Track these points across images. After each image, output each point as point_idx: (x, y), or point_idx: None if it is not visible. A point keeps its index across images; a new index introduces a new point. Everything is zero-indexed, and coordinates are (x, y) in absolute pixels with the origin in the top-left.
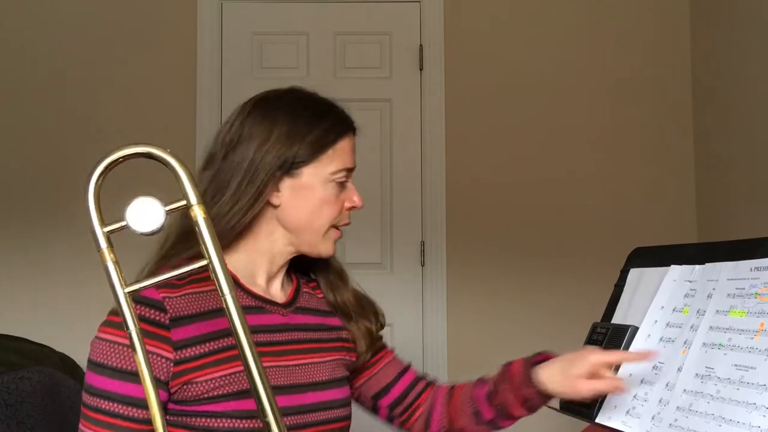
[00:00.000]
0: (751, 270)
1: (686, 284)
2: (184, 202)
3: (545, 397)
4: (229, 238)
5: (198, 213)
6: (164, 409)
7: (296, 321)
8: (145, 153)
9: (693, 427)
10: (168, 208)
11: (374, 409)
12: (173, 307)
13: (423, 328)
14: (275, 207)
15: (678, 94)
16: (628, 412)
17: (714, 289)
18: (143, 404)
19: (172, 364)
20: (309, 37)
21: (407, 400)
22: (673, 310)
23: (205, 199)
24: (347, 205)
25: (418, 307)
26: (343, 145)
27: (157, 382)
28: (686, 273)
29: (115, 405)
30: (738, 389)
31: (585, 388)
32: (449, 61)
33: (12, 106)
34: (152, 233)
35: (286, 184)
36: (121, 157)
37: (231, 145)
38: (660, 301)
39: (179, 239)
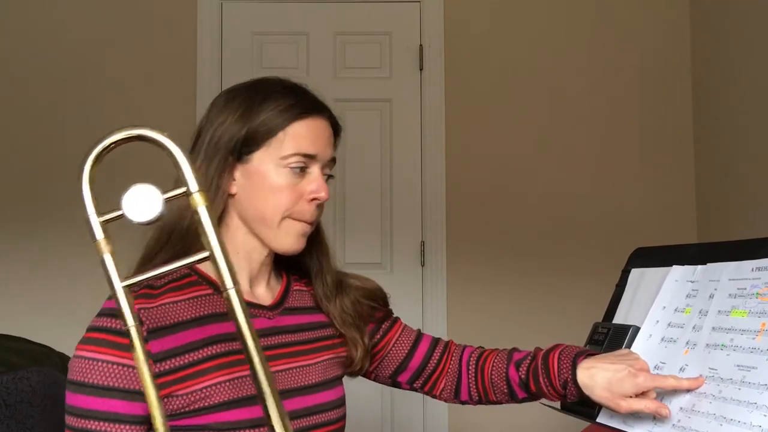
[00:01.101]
0: (752, 270)
1: (688, 284)
2: (183, 189)
3: (582, 395)
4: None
5: (198, 200)
6: (148, 423)
7: (284, 323)
8: (138, 135)
9: (695, 427)
10: (167, 195)
11: (395, 386)
12: (150, 318)
13: (423, 328)
14: (233, 197)
15: (678, 94)
16: None
17: (716, 289)
18: (131, 420)
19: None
20: (309, 37)
21: (426, 372)
22: (675, 310)
23: None
24: (307, 196)
25: (418, 307)
26: (300, 128)
27: (136, 395)
28: (688, 273)
29: (102, 424)
30: (740, 389)
31: (627, 406)
32: (449, 61)
33: (12, 107)
34: (149, 222)
35: (240, 171)
36: (113, 143)
37: (197, 135)
38: (661, 302)
39: (161, 239)
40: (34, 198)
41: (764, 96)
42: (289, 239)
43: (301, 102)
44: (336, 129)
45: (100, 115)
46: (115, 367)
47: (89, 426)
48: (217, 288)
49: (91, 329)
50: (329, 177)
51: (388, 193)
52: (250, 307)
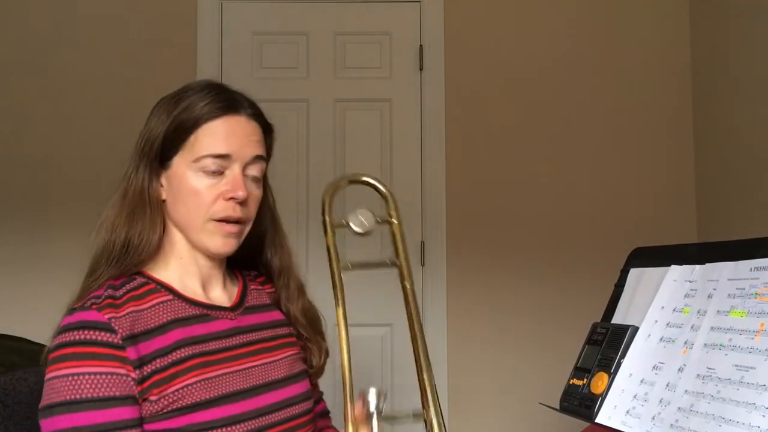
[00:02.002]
0: (751, 270)
1: (686, 284)
2: (393, 220)
3: None
4: (150, 251)
5: (396, 230)
6: (139, 426)
7: (246, 323)
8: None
9: (694, 428)
10: (379, 219)
11: None
12: (121, 327)
13: (423, 328)
14: (164, 203)
15: (678, 94)
16: (628, 412)
17: (714, 289)
18: (136, 424)
19: (135, 384)
20: (309, 37)
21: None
22: (674, 310)
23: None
24: (225, 195)
25: (418, 307)
26: (213, 128)
27: (131, 399)
28: (686, 273)
29: None
30: (738, 389)
31: None
32: (449, 61)
33: (11, 107)
34: (364, 234)
35: (164, 177)
36: (354, 181)
37: (131, 156)
38: (660, 301)
39: (102, 258)
40: (35, 198)
41: (764, 96)
42: (216, 240)
43: (214, 101)
44: (264, 127)
45: (100, 115)
46: (105, 377)
47: None
48: (176, 293)
49: (63, 345)
50: (262, 179)
51: None
52: (209, 309)
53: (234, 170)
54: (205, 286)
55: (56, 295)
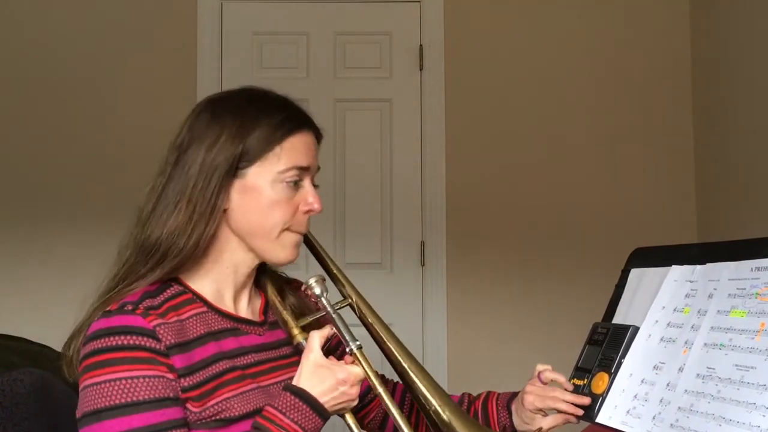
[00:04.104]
0: (751, 270)
1: (687, 284)
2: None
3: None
4: (195, 257)
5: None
6: (188, 426)
7: (272, 339)
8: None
9: (694, 427)
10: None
11: None
12: (165, 335)
13: (423, 328)
14: (226, 211)
15: (678, 94)
16: (628, 412)
17: (715, 289)
18: (173, 425)
19: (180, 389)
20: (309, 37)
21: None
22: (674, 310)
23: (156, 208)
24: (303, 208)
25: (418, 307)
26: (294, 142)
27: (180, 401)
28: (687, 273)
29: None
30: (738, 389)
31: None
32: (449, 61)
33: (12, 107)
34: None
35: (235, 187)
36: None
37: (181, 148)
38: (661, 301)
39: (144, 257)
40: (36, 198)
41: (764, 96)
42: (287, 251)
43: (292, 116)
44: (319, 138)
45: (100, 115)
46: (157, 380)
47: None
48: (210, 305)
49: (106, 350)
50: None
51: (388, 193)
52: (240, 323)
53: (307, 183)
54: (235, 297)
55: (57, 295)
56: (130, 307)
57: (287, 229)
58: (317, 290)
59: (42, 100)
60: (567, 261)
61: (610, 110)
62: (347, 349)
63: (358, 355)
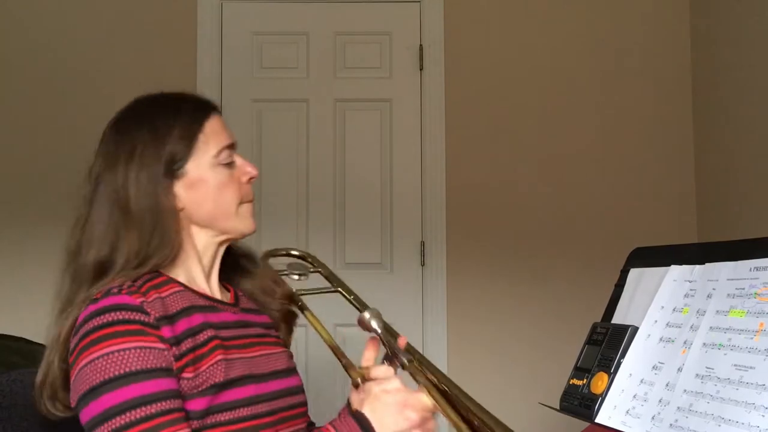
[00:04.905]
0: (750, 270)
1: (686, 284)
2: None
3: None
4: (168, 261)
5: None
6: (181, 398)
7: (246, 318)
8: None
9: (693, 427)
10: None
11: None
12: (152, 308)
13: (423, 328)
14: (180, 210)
15: (678, 94)
16: (628, 412)
17: (714, 289)
18: (166, 396)
19: (174, 359)
20: (309, 37)
21: None
22: (673, 310)
23: (84, 235)
24: (244, 179)
25: (418, 307)
26: (211, 126)
27: (173, 372)
28: (686, 273)
29: (166, 403)
30: (737, 389)
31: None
32: (449, 61)
33: (12, 108)
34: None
35: (178, 186)
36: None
37: (98, 176)
38: (660, 301)
39: (109, 271)
40: (36, 198)
41: (764, 95)
42: (248, 221)
43: (198, 104)
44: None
45: (100, 115)
46: (148, 351)
47: (152, 410)
48: (186, 287)
49: (99, 327)
50: None
51: (388, 193)
52: (216, 302)
53: (237, 158)
54: (207, 280)
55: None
56: (115, 290)
57: (241, 202)
58: (374, 324)
59: (41, 100)
60: (567, 261)
61: (610, 110)
62: (399, 363)
63: (413, 368)
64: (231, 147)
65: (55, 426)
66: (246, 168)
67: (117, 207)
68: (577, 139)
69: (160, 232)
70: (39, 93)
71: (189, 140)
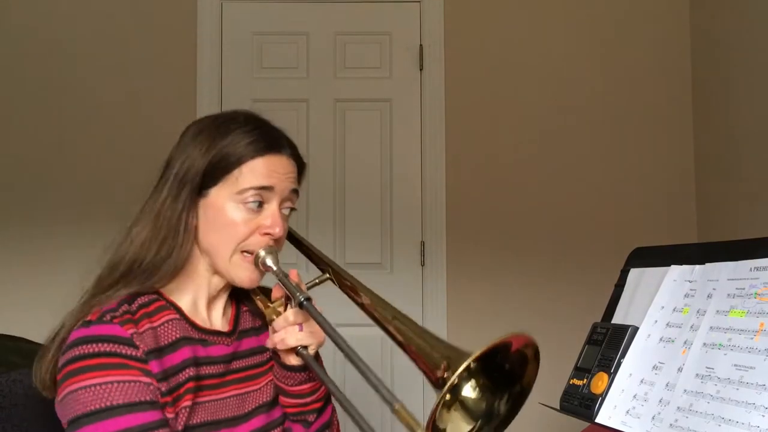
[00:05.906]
0: (751, 270)
1: (686, 284)
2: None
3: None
4: (170, 272)
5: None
6: (168, 427)
7: (241, 348)
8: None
9: (693, 427)
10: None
11: None
12: (142, 342)
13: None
14: (196, 229)
15: (678, 94)
16: (628, 412)
17: (714, 289)
18: (150, 427)
19: (160, 394)
20: (309, 37)
21: None
22: (674, 310)
23: (134, 226)
24: (261, 230)
25: (418, 307)
26: (255, 165)
27: (158, 404)
28: (686, 273)
29: None
30: (738, 389)
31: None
32: (449, 61)
33: (12, 108)
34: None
35: (201, 205)
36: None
37: (167, 164)
38: (660, 301)
39: (120, 274)
40: (36, 198)
41: (764, 95)
42: (244, 273)
43: (260, 140)
44: (299, 164)
45: (99, 115)
46: (133, 384)
47: None
48: (183, 314)
49: (84, 357)
50: (291, 210)
51: (388, 193)
52: (209, 335)
53: (272, 205)
54: (209, 306)
55: (56, 296)
56: (108, 317)
57: (241, 250)
58: (261, 254)
59: (40, 100)
60: (567, 261)
61: (610, 110)
62: (294, 302)
63: (308, 307)
64: (266, 190)
65: (55, 426)
66: (267, 221)
67: (156, 205)
68: (577, 139)
69: (174, 242)
70: (37, 93)
71: (225, 166)
